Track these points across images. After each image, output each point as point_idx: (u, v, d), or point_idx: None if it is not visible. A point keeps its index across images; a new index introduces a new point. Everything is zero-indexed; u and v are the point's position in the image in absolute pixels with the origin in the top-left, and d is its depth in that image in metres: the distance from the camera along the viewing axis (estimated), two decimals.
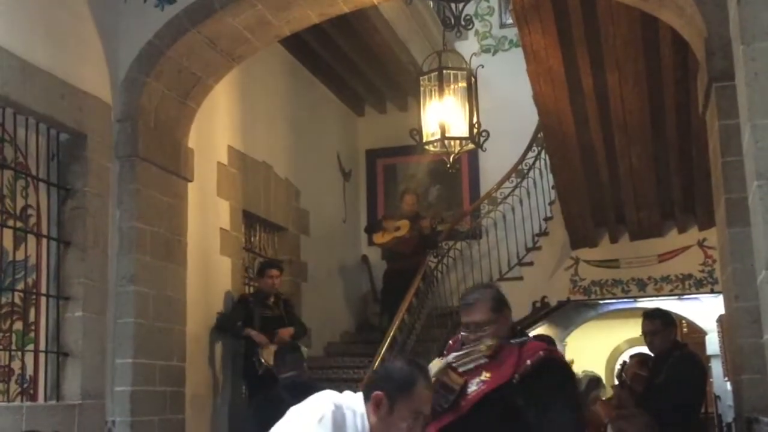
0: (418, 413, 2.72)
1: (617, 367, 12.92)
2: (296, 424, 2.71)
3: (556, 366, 3.37)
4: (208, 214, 7.05)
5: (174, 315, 6.16)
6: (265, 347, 6.92)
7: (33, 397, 5.16)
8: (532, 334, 8.21)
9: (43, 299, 5.30)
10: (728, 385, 8.03)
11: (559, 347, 7.90)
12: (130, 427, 5.59)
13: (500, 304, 3.47)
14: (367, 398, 2.74)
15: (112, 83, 5.87)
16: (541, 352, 3.33)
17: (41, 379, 5.23)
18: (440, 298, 9.33)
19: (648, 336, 5.21)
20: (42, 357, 5.24)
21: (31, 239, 5.26)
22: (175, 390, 6.11)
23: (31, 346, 5.20)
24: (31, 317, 5.23)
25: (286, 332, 7.16)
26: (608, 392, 10.67)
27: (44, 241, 5.35)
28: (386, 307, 8.95)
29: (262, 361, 6.85)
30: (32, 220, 5.29)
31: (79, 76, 5.53)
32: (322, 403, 2.74)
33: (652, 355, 5.61)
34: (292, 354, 5.81)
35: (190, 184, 6.48)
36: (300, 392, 4.97)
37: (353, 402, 2.76)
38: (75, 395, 5.29)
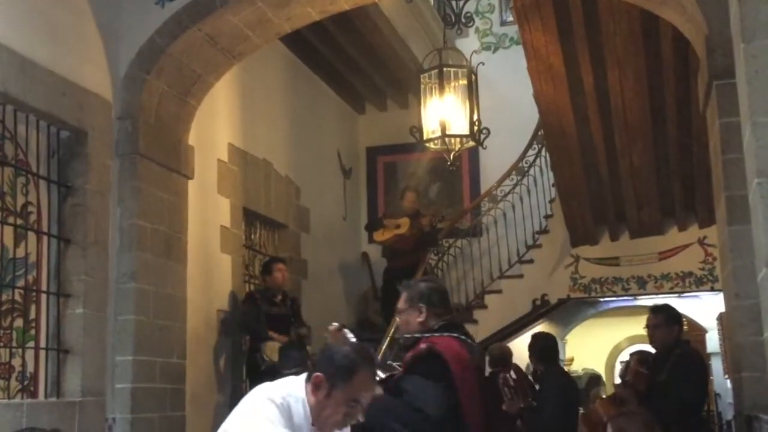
0: (355, 401, 2.68)
1: (618, 365, 12.96)
2: (249, 426, 2.63)
3: (431, 358, 3.43)
4: (208, 211, 7.05)
5: (174, 312, 6.16)
6: (269, 343, 6.95)
7: (33, 394, 5.16)
8: (532, 331, 8.24)
9: (44, 296, 5.30)
10: (728, 383, 8.03)
11: (559, 345, 7.88)
12: (131, 425, 5.59)
13: (417, 298, 3.58)
14: (308, 378, 2.72)
15: (112, 81, 5.87)
16: (422, 345, 3.42)
17: (41, 376, 5.23)
18: None
19: (650, 329, 5.21)
20: (42, 354, 5.25)
21: (32, 236, 5.26)
22: (175, 387, 6.12)
23: (31, 343, 5.20)
24: (32, 314, 5.23)
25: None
26: (608, 390, 10.68)
27: (45, 238, 5.35)
28: (386, 305, 8.95)
29: (265, 357, 6.87)
30: (32, 218, 5.30)
31: (80, 73, 5.53)
32: (265, 400, 2.68)
33: (652, 353, 5.62)
34: (298, 351, 5.80)
35: (190, 182, 6.48)
36: None
37: (293, 389, 2.73)
38: (75, 392, 5.29)
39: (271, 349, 6.91)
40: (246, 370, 7.25)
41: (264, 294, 7.32)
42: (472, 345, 3.66)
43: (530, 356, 5.85)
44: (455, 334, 3.57)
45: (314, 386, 2.68)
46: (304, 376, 2.75)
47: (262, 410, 2.64)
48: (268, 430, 2.57)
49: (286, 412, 2.64)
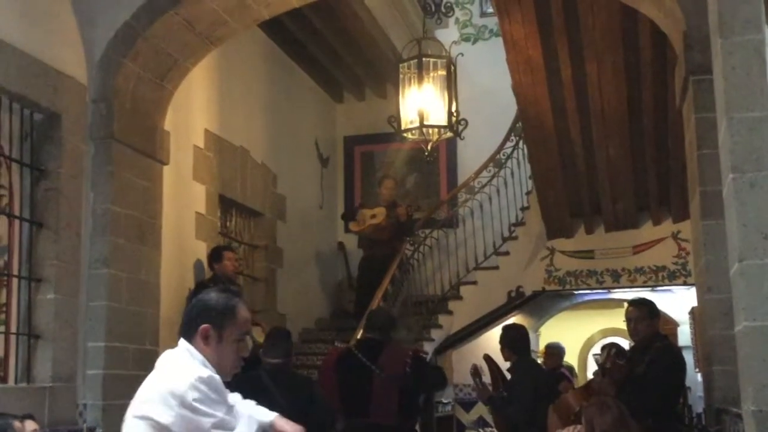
0: (243, 334, 2.76)
1: (590, 357, 13.03)
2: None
3: None
4: (183, 197, 7.00)
5: (147, 298, 6.12)
6: None
7: (3, 380, 5.11)
8: (506, 323, 8.28)
9: (15, 281, 5.24)
10: (698, 377, 8.11)
11: (532, 337, 7.93)
12: (102, 411, 5.55)
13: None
14: (190, 335, 2.71)
15: (87, 63, 5.79)
16: None
17: (12, 362, 5.17)
18: (416, 286, 9.35)
19: (632, 322, 5.22)
20: (13, 339, 5.19)
21: (3, 220, 5.20)
22: (147, 374, 6.04)
23: (2, 328, 5.15)
24: (2, 299, 5.17)
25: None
26: (580, 382, 10.77)
27: (16, 222, 5.29)
28: (362, 295, 8.94)
29: None
30: (4, 201, 5.23)
31: (54, 55, 5.45)
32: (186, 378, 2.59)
33: (624, 347, 5.64)
34: (287, 341, 5.69)
35: (165, 168, 6.43)
36: (282, 380, 4.97)
37: (185, 362, 2.67)
38: (46, 378, 5.24)
39: None
40: None
41: (215, 282, 7.16)
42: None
43: (502, 347, 5.87)
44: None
45: (204, 339, 2.68)
46: (178, 348, 2.72)
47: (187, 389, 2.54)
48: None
49: (214, 383, 2.60)
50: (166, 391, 2.57)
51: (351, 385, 5.51)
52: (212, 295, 2.77)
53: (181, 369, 2.63)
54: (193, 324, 2.71)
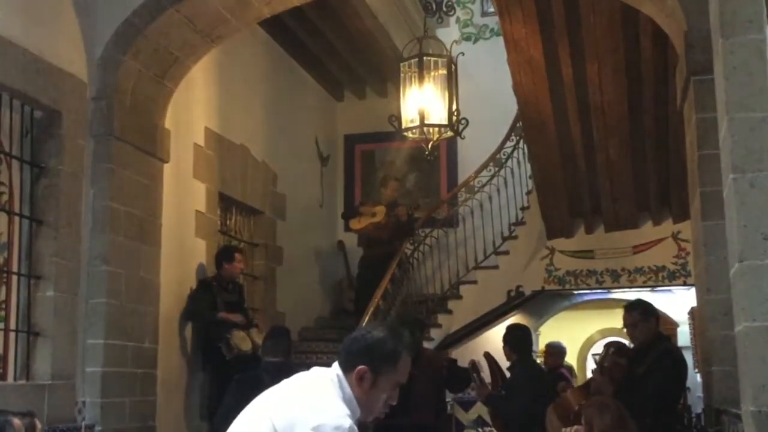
0: (398, 384, 2.71)
1: (590, 357, 13.03)
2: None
3: None
4: (183, 195, 6.99)
5: (147, 296, 6.12)
6: (236, 332, 6.83)
7: (2, 377, 5.11)
8: (506, 323, 8.28)
9: (15, 278, 5.24)
10: (698, 377, 8.11)
11: (532, 336, 7.90)
12: (101, 408, 5.56)
13: None
14: (346, 368, 2.66)
15: (88, 61, 5.79)
16: None
17: (11, 359, 5.17)
18: (416, 285, 9.35)
19: (629, 328, 5.20)
20: (12, 336, 5.19)
21: (3, 217, 5.20)
22: (146, 372, 6.08)
23: (1, 325, 5.15)
24: (2, 296, 5.17)
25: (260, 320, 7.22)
26: (579, 382, 10.76)
27: (16, 218, 5.29)
28: (361, 293, 8.94)
29: (232, 345, 6.74)
30: (4, 198, 5.23)
31: (55, 52, 5.45)
32: (340, 409, 2.57)
33: (626, 344, 5.64)
34: (286, 340, 5.66)
35: (165, 165, 6.43)
36: (282, 378, 4.96)
37: (338, 386, 2.65)
38: (45, 375, 5.24)
39: (239, 338, 6.80)
40: (207, 360, 7.00)
41: (219, 281, 7.13)
42: None
43: (504, 346, 5.88)
44: None
45: (358, 379, 2.63)
46: (330, 373, 2.67)
47: (336, 420, 2.50)
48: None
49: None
50: (304, 422, 2.51)
51: None
52: (379, 335, 2.70)
53: (326, 403, 2.57)
54: (351, 360, 2.66)
